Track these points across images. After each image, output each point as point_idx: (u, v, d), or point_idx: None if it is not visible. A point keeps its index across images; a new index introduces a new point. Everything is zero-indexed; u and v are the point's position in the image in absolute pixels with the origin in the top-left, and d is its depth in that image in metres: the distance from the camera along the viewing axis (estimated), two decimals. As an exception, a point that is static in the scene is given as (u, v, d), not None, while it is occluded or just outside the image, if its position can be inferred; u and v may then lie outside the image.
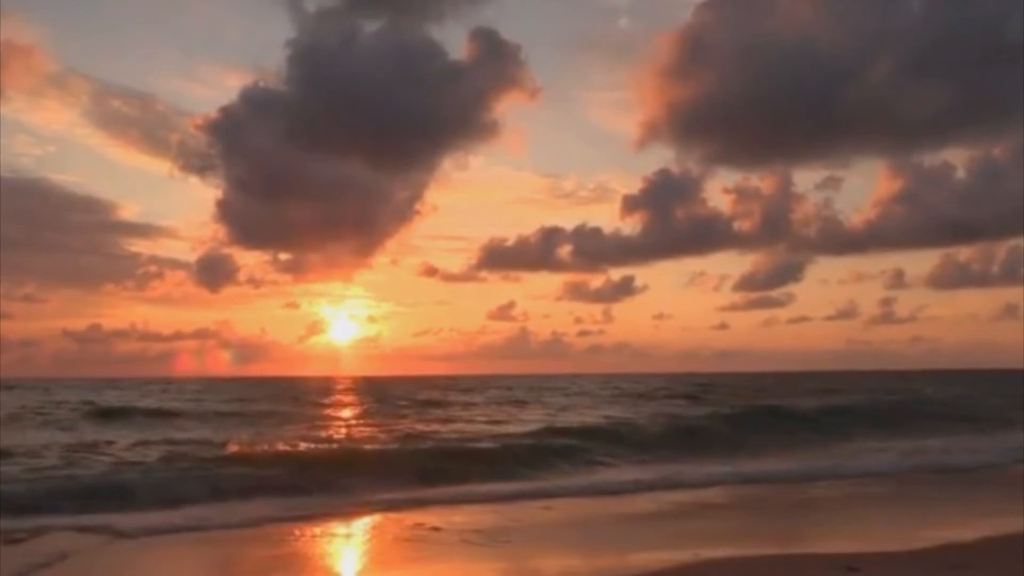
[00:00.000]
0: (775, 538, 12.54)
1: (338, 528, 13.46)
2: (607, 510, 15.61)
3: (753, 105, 68.13)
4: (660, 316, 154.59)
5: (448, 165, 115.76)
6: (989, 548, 10.82)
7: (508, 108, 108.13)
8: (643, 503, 16.16)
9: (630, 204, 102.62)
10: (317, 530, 13.18)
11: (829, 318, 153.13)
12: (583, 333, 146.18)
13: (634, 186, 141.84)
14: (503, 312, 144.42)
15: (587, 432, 26.57)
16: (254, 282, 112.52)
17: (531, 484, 18.45)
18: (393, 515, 14.50)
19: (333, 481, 17.47)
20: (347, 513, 14.64)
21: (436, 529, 12.98)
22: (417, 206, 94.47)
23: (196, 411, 39.23)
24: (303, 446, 23.46)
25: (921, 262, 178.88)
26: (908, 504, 15.92)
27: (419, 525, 13.31)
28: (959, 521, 13.33)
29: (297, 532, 13.03)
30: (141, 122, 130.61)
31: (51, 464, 19.52)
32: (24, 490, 15.84)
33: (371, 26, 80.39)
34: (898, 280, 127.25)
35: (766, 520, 14.65)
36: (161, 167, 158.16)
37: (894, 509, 15.31)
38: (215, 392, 64.31)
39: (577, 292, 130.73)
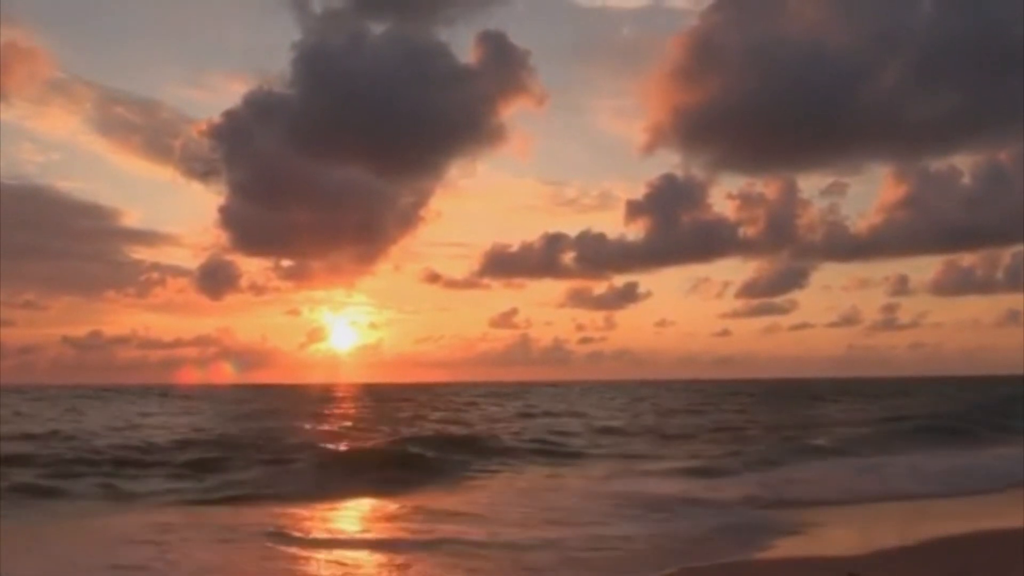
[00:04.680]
0: (776, 541, 12.30)
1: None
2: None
3: (759, 110, 68.13)
4: (662, 323, 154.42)
5: (454, 171, 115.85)
6: (988, 553, 10.68)
7: (515, 114, 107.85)
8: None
9: (634, 210, 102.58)
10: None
11: (832, 324, 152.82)
12: (585, 340, 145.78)
13: (638, 193, 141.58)
14: (505, 319, 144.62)
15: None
16: (256, 289, 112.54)
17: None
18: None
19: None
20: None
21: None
22: (421, 212, 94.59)
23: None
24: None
25: (925, 268, 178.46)
26: (909, 509, 15.60)
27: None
28: (959, 527, 13.12)
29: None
30: (145, 129, 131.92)
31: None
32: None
33: (378, 28, 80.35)
34: (902, 286, 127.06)
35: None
36: (165, 174, 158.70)
37: (896, 514, 15.06)
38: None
39: (580, 299, 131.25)
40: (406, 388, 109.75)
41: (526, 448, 24.69)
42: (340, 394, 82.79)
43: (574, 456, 23.81)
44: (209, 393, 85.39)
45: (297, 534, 12.42)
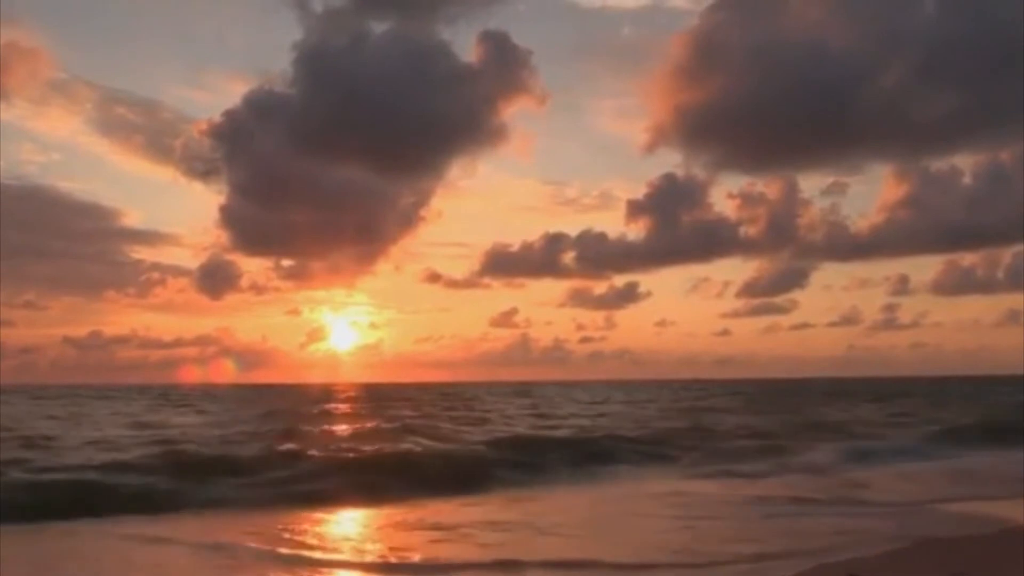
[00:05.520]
0: (775, 542, 11.97)
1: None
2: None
3: (759, 110, 68.20)
4: (663, 323, 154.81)
5: (455, 171, 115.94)
6: (989, 553, 10.59)
7: (516, 113, 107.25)
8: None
9: (634, 209, 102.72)
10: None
11: (832, 324, 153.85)
12: (585, 340, 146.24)
13: (638, 193, 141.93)
14: (505, 319, 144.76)
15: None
16: (256, 288, 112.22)
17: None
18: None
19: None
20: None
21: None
22: (422, 212, 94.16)
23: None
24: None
25: (926, 268, 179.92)
26: (909, 508, 15.30)
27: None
28: (960, 525, 12.98)
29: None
30: (146, 129, 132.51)
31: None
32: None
33: (379, 27, 79.94)
34: (902, 286, 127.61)
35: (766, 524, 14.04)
36: (165, 174, 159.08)
37: (895, 514, 14.77)
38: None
39: (580, 298, 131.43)
40: (413, 388, 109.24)
41: (605, 449, 24.12)
42: (355, 394, 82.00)
43: (643, 457, 23.46)
44: (210, 392, 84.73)
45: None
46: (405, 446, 23.66)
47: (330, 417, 40.89)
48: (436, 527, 13.39)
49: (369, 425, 32.74)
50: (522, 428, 31.80)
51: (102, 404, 57.24)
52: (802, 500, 16.01)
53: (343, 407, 52.58)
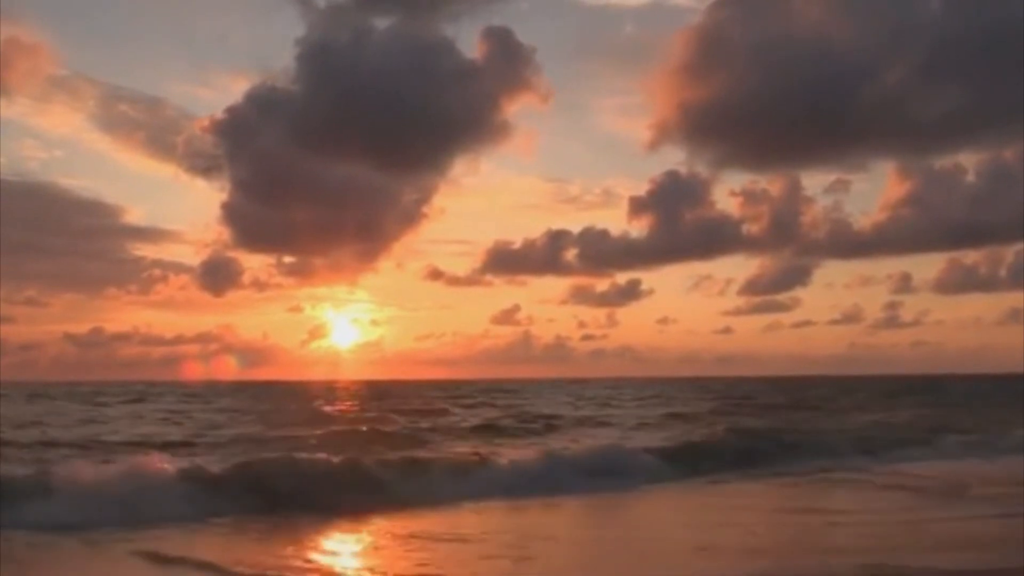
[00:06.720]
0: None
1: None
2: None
3: (762, 107, 68.23)
4: (664, 320, 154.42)
5: (457, 168, 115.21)
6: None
7: (519, 111, 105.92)
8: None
9: (637, 207, 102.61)
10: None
11: (834, 322, 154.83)
12: (586, 337, 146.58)
13: (641, 190, 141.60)
14: (507, 316, 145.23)
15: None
16: (258, 285, 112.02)
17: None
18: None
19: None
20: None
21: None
22: (424, 209, 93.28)
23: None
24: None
25: (928, 266, 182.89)
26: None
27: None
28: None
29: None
30: (148, 126, 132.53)
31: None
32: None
33: (382, 23, 78.82)
34: (905, 284, 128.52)
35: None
36: (167, 171, 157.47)
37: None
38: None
39: (582, 296, 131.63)
40: (415, 385, 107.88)
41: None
42: (373, 391, 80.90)
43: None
44: (214, 389, 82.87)
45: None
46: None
47: (398, 416, 38.97)
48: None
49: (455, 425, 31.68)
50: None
51: (104, 401, 55.45)
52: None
53: (387, 403, 51.16)
